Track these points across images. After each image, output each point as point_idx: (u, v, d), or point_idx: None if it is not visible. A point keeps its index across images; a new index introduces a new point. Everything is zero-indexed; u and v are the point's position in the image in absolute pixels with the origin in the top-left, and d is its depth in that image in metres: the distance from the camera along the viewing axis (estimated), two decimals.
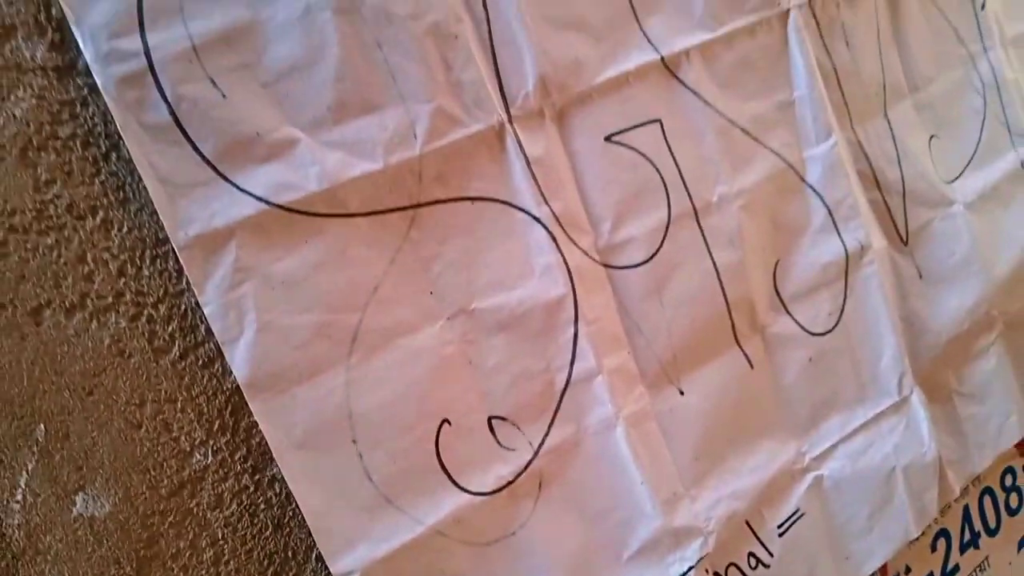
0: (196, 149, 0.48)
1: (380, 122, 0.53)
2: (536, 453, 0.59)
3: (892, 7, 0.78)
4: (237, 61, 0.49)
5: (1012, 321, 0.85)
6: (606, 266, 0.62)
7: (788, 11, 0.70)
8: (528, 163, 0.57)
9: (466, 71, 0.56)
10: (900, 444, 0.76)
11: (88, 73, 0.45)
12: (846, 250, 0.73)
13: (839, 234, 0.73)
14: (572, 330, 0.60)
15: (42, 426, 0.44)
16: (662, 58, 0.64)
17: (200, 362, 0.49)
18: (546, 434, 0.59)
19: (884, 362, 0.76)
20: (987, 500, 0.85)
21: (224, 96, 0.49)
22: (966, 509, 0.83)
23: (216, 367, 0.49)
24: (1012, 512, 0.88)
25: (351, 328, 0.53)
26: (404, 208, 0.54)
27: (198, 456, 0.48)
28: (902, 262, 0.78)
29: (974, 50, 0.84)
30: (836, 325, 0.73)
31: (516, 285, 0.58)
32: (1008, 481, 0.87)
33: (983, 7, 0.85)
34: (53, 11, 0.45)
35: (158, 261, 0.48)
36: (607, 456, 0.61)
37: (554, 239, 0.59)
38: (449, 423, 0.56)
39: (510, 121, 0.57)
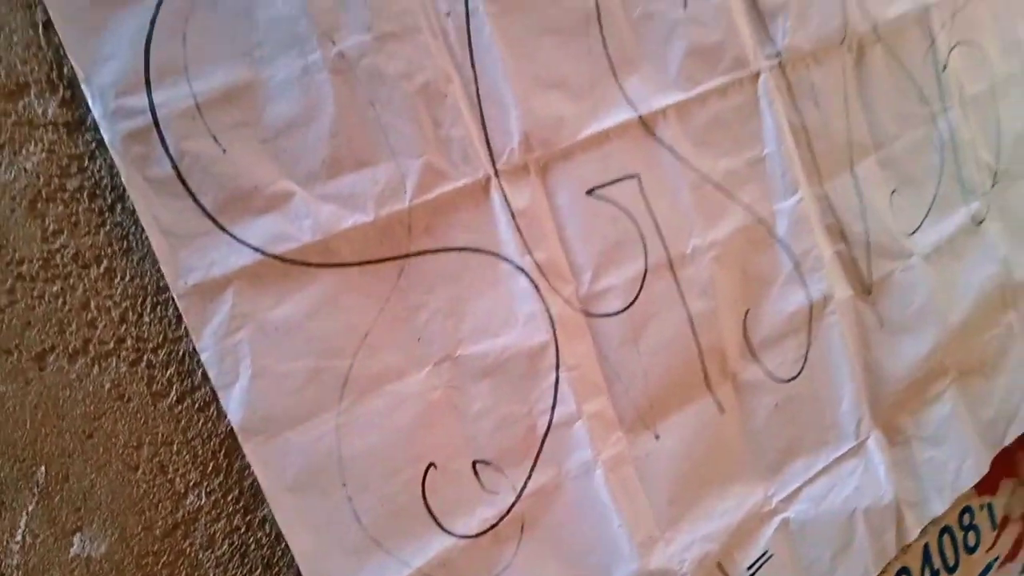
0: (197, 202, 0.50)
1: (372, 176, 0.56)
2: (519, 496, 0.61)
3: (859, 68, 0.83)
4: (237, 118, 0.52)
5: (964, 369, 0.89)
6: (586, 314, 0.64)
7: (759, 73, 0.74)
8: (513, 215, 0.60)
9: (455, 128, 0.58)
10: (860, 487, 0.79)
11: (96, 129, 0.47)
12: (810, 300, 0.76)
13: (804, 285, 0.76)
14: (554, 376, 0.62)
15: (43, 468, 0.46)
16: (640, 117, 0.67)
17: (196, 406, 0.50)
18: (528, 477, 0.61)
19: (843, 407, 0.79)
20: (946, 539, 0.88)
21: (224, 151, 0.51)
22: (926, 548, 0.86)
23: (211, 410, 0.51)
24: (970, 550, 0.91)
25: (342, 374, 0.55)
26: (394, 258, 0.57)
27: (192, 497, 0.50)
28: (865, 311, 0.81)
29: (935, 109, 0.89)
30: (800, 372, 0.76)
31: (500, 332, 0.60)
32: (966, 520, 0.90)
33: (944, 68, 0.90)
34: (64, 70, 0.47)
35: (158, 308, 0.49)
36: (586, 499, 0.63)
37: (537, 288, 0.61)
38: (435, 467, 0.58)
39: (496, 175, 0.60)
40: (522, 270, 0.61)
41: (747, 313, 0.73)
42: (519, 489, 0.61)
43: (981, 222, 0.92)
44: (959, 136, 0.91)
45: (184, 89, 0.50)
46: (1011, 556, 0.96)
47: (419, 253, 0.57)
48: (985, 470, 0.88)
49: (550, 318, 0.62)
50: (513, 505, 0.61)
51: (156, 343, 0.49)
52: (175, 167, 0.49)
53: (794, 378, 0.75)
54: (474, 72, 0.60)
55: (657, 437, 0.67)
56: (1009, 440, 0.92)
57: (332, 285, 0.54)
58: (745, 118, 0.74)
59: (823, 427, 0.77)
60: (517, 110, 0.61)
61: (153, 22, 0.49)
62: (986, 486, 0.91)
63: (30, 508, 0.45)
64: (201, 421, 0.50)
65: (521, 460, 0.61)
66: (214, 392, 0.50)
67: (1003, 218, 0.95)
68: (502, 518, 0.60)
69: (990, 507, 0.94)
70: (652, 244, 0.67)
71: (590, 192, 0.65)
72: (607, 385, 0.65)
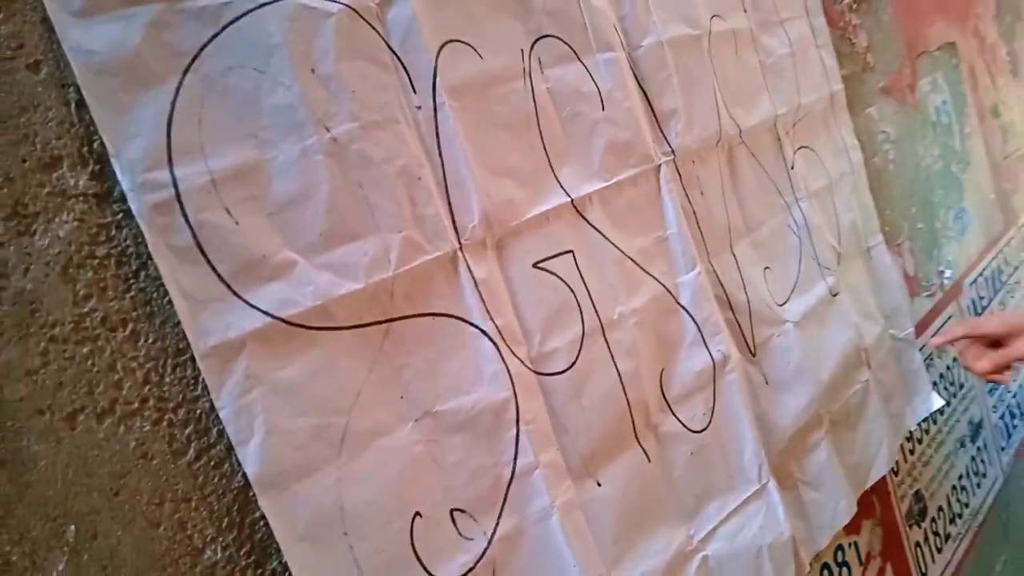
0: (214, 269, 0.54)
1: (362, 248, 0.61)
2: (489, 542, 0.66)
3: (731, 165, 0.97)
4: (247, 193, 0.56)
5: (835, 419, 1.03)
6: (537, 373, 0.71)
7: (660, 166, 0.87)
8: (476, 284, 0.67)
9: (427, 207, 0.65)
10: (764, 525, 0.89)
11: (123, 200, 0.51)
12: (713, 360, 0.87)
13: (707, 347, 0.87)
14: (515, 430, 0.68)
15: (73, 527, 0.46)
16: (572, 201, 0.77)
17: (212, 463, 0.53)
18: (496, 524, 0.67)
19: (747, 455, 0.89)
20: (825, 574, 1.00)
21: (237, 223, 0.55)
22: None
23: (225, 467, 0.53)
24: None
25: (340, 430, 0.59)
26: (380, 322, 0.62)
27: (209, 552, 0.52)
28: (752, 371, 0.93)
29: (789, 201, 1.05)
30: (709, 424, 0.87)
31: (470, 390, 0.66)
32: (840, 557, 1.03)
33: (792, 167, 1.07)
34: (95, 145, 0.51)
35: (178, 369, 0.52)
36: (545, 542, 0.69)
37: (498, 349, 0.68)
38: (420, 516, 0.62)
39: (461, 249, 0.67)
40: (485, 333, 0.68)
41: (663, 371, 0.83)
42: (489, 535, 0.66)
43: (836, 294, 1.09)
44: (811, 222, 1.08)
45: (201, 166, 0.54)
46: None
47: (401, 318, 0.63)
48: (854, 510, 1.01)
49: (510, 376, 0.68)
50: (485, 550, 0.66)
51: (176, 403, 0.52)
52: (195, 237, 0.53)
53: (704, 429, 0.86)
54: (441, 159, 0.67)
55: (599, 484, 0.75)
56: (870, 483, 1.07)
57: (330, 347, 0.59)
58: (651, 204, 0.86)
59: (731, 473, 0.87)
60: (476, 194, 0.69)
61: (173, 105, 0.54)
62: (852, 526, 1.05)
63: (60, 567, 0.46)
64: (216, 478, 0.53)
65: (490, 508, 0.67)
66: (227, 449, 0.53)
67: (849, 291, 1.12)
68: (477, 562, 0.65)
69: (856, 545, 1.07)
70: (587, 311, 0.76)
71: (536, 265, 0.73)
72: (556, 437, 0.72)
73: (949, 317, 1.45)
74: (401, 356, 0.63)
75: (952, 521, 1.31)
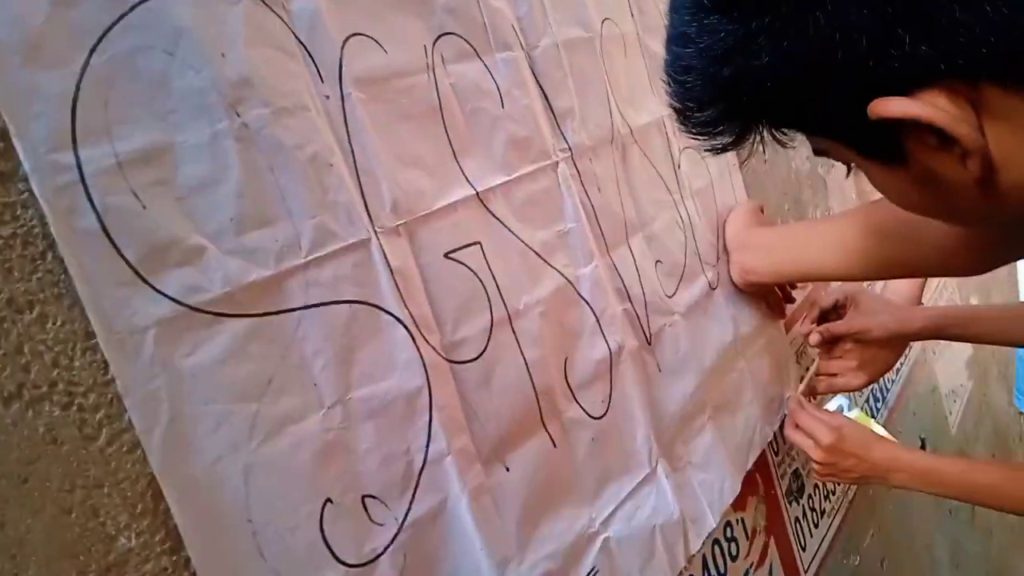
0: (120, 254, 0.53)
1: (272, 234, 0.61)
2: (400, 527, 0.66)
3: (624, 162, 1.02)
4: (155, 177, 0.55)
5: (716, 405, 1.09)
6: (449, 361, 0.73)
7: (557, 163, 0.90)
8: (392, 272, 0.68)
9: (340, 194, 0.66)
10: (656, 507, 0.93)
11: (28, 180, 0.49)
12: (610, 350, 0.91)
13: (604, 337, 0.91)
14: (427, 416, 0.69)
15: None
16: (477, 193, 0.79)
17: (124, 448, 0.51)
18: (408, 509, 0.67)
19: (639, 440, 0.94)
20: (716, 549, 1.05)
21: (144, 207, 0.54)
22: (704, 557, 1.02)
23: (138, 453, 0.52)
24: (732, 558, 1.09)
25: (250, 417, 0.58)
26: (292, 309, 0.62)
27: (123, 540, 0.50)
28: (647, 358, 0.98)
29: (676, 198, 1.11)
30: (607, 410, 0.90)
31: (384, 377, 0.67)
32: (729, 533, 1.09)
33: (679, 166, 1.12)
34: None
35: (87, 353, 0.50)
36: (456, 526, 0.70)
37: (412, 338, 0.69)
38: (331, 502, 0.62)
39: (376, 236, 0.68)
40: (400, 321, 0.68)
41: (566, 360, 0.86)
42: (400, 520, 0.67)
43: (715, 288, 1.15)
44: (694, 220, 1.14)
45: (107, 148, 0.53)
46: (760, 562, 1.16)
47: (315, 305, 0.63)
48: (738, 489, 1.07)
49: (423, 364, 0.69)
50: (396, 535, 0.66)
51: (87, 387, 0.50)
52: (100, 221, 0.52)
53: (603, 416, 0.89)
54: (351, 147, 0.68)
55: (507, 469, 0.77)
56: (750, 464, 1.13)
57: (240, 334, 0.58)
58: (551, 199, 0.89)
59: (626, 457, 0.91)
60: (386, 182, 0.69)
61: (79, 86, 0.52)
62: (739, 504, 1.11)
63: None
64: (129, 463, 0.51)
65: (402, 494, 0.67)
66: None
67: (725, 285, 1.18)
68: (387, 547, 0.65)
69: (743, 521, 1.13)
70: (495, 301, 0.78)
71: (447, 255, 0.74)
72: (468, 423, 0.73)
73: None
74: (315, 343, 0.63)
75: (827, 498, 1.41)
